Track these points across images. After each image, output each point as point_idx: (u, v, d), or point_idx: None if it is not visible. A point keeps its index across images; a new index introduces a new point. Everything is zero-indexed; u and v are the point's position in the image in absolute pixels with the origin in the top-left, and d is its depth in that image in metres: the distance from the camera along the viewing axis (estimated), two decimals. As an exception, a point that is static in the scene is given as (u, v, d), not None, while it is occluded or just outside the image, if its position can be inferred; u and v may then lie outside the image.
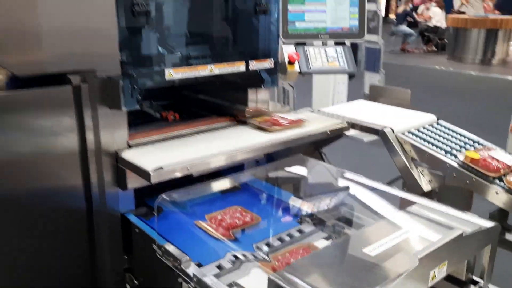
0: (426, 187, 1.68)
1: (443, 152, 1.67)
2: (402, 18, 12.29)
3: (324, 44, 1.85)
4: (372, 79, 5.21)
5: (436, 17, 12.12)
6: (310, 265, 1.04)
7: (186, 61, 1.57)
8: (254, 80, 1.73)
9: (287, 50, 1.78)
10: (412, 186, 1.70)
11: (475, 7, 10.71)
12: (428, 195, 1.67)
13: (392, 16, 17.02)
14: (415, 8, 13.12)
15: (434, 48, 12.27)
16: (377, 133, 1.79)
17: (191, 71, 1.52)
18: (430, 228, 1.20)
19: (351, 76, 5.51)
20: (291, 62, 1.75)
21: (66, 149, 1.39)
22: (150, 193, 1.52)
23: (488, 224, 1.17)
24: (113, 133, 1.46)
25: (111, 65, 1.40)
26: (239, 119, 1.84)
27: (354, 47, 6.07)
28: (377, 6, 4.77)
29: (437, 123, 1.89)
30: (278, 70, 1.73)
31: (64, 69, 1.35)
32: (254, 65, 1.66)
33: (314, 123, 1.83)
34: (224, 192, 1.74)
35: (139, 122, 1.76)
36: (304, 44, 1.82)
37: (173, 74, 1.48)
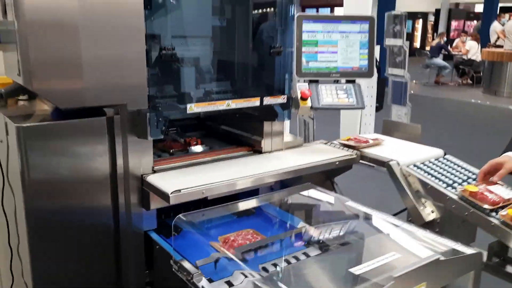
0: (428, 217, 1.77)
1: (444, 185, 1.76)
2: (437, 51, 12.30)
3: (335, 81, 2.00)
4: (399, 112, 5.29)
5: (472, 50, 12.06)
6: (295, 274, 1.16)
7: (206, 97, 1.75)
8: (268, 113, 1.90)
9: (301, 87, 1.95)
10: (415, 216, 1.80)
11: (512, 40, 10.61)
12: (430, 225, 1.76)
13: (428, 48, 17.00)
14: (450, 41, 13.09)
15: (469, 81, 12.16)
16: (384, 165, 1.91)
17: (210, 105, 1.70)
18: (416, 253, 1.30)
19: (378, 109, 5.62)
20: (303, 98, 1.91)
21: (98, 172, 1.56)
22: (175, 213, 1.68)
23: (469, 251, 1.26)
24: (140, 159, 1.62)
25: (140, 99, 1.56)
26: (256, 149, 2.00)
27: (382, 82, 6.14)
28: (403, 41, 4.89)
29: (444, 158, 1.99)
30: (291, 105, 1.90)
31: (101, 103, 1.53)
32: (268, 100, 1.83)
33: (325, 153, 1.97)
34: (239, 216, 1.89)
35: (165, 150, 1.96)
36: (317, 81, 1.98)
37: (194, 108, 1.66)
